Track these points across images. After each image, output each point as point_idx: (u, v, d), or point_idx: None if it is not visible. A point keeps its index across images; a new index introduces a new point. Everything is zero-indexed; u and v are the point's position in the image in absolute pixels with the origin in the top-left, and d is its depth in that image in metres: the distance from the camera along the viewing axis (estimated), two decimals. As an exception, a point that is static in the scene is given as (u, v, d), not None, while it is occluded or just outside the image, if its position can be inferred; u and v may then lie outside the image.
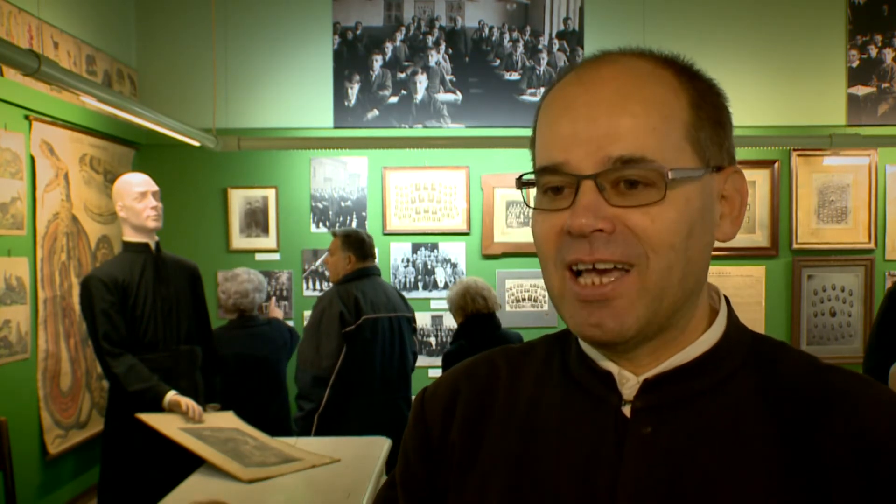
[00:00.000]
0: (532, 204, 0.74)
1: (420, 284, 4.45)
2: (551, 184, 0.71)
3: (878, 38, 4.46)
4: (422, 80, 4.45)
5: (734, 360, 0.74)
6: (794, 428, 0.70)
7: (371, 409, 3.31)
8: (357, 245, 3.40)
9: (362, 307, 3.28)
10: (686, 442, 0.70)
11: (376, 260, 3.54)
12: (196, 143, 3.62)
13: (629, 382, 0.73)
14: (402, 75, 4.45)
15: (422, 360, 4.44)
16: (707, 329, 0.75)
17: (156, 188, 3.06)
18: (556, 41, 4.46)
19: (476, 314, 3.45)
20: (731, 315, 0.77)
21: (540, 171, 0.72)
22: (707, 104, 0.72)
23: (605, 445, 0.72)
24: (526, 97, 4.45)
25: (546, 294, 4.41)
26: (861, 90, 4.46)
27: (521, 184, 0.74)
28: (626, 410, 0.73)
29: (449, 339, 4.27)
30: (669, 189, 0.67)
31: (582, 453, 0.73)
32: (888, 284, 4.37)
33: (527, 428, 0.77)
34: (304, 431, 3.21)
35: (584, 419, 0.74)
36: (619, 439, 0.72)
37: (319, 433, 3.21)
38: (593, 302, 0.69)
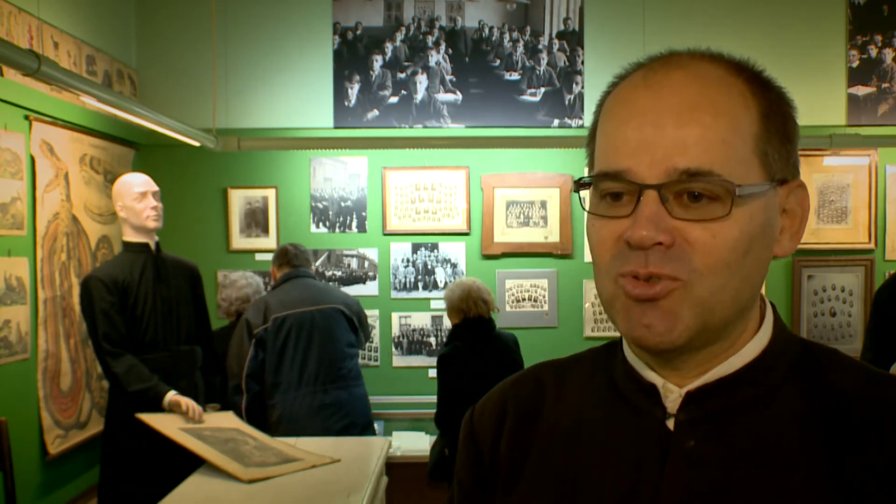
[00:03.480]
0: (588, 207, 0.72)
1: (420, 284, 4.45)
2: (611, 190, 0.69)
3: (878, 38, 4.46)
4: (422, 80, 4.45)
5: (780, 370, 0.72)
6: (843, 442, 0.68)
7: (297, 402, 3.33)
8: (279, 256, 3.62)
9: (270, 309, 3.37)
10: (729, 456, 0.69)
11: (310, 264, 3.70)
12: (196, 143, 3.62)
13: (672, 395, 0.72)
14: (402, 75, 4.45)
15: (421, 360, 4.45)
16: (751, 339, 0.73)
17: (156, 188, 3.06)
18: (556, 41, 4.46)
19: (477, 318, 3.43)
20: (778, 323, 0.75)
21: (600, 175, 0.70)
22: (776, 116, 0.70)
23: (648, 459, 0.71)
24: (526, 97, 4.45)
25: (546, 294, 4.41)
26: (861, 90, 4.46)
27: (578, 186, 0.72)
28: (670, 424, 0.72)
29: (449, 339, 4.27)
30: (735, 206, 0.65)
31: (625, 467, 0.72)
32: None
33: (572, 442, 0.76)
34: None
35: (628, 432, 0.74)
36: (663, 453, 0.71)
37: None
38: (644, 302, 0.67)
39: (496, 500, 0.79)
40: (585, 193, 0.73)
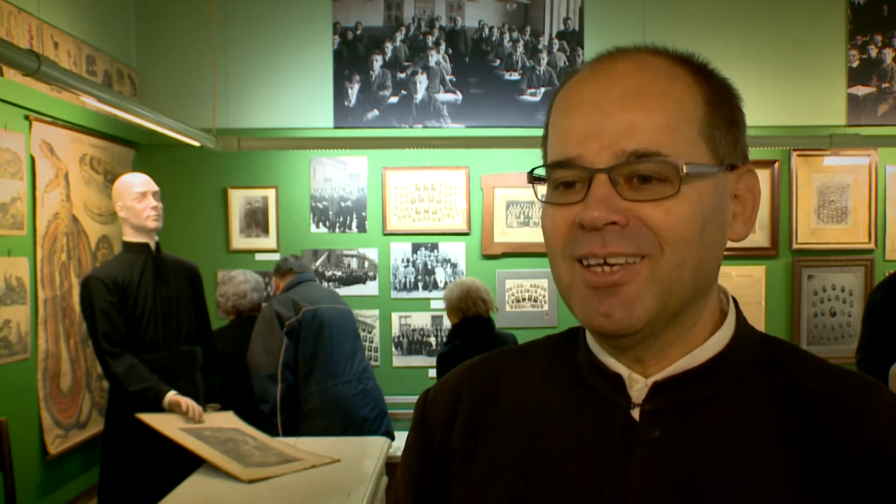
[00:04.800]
0: (543, 198, 0.73)
1: (420, 284, 4.45)
2: (564, 178, 0.70)
3: (878, 38, 4.46)
4: (422, 80, 4.45)
5: (744, 363, 0.73)
6: (807, 432, 0.69)
7: (337, 390, 3.45)
8: (280, 267, 3.74)
9: (299, 303, 3.48)
10: (695, 446, 0.69)
11: (310, 270, 3.84)
12: (196, 143, 3.62)
13: (638, 385, 0.73)
14: (402, 75, 4.45)
15: (421, 360, 4.45)
16: (716, 331, 0.74)
17: (156, 188, 3.06)
18: (556, 41, 4.46)
19: (476, 317, 3.46)
20: (740, 317, 0.77)
21: (552, 165, 0.71)
22: (722, 103, 0.72)
23: (613, 449, 0.71)
24: (526, 97, 4.45)
25: (546, 294, 4.41)
26: (861, 90, 4.46)
27: (532, 178, 0.74)
28: (635, 414, 0.72)
29: (449, 339, 4.28)
30: (683, 184, 0.67)
31: (589, 457, 0.72)
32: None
33: (532, 430, 0.76)
34: (273, 433, 3.25)
35: (591, 422, 0.73)
36: (628, 443, 0.71)
37: (287, 426, 3.36)
38: (603, 289, 0.68)
39: (450, 485, 0.79)
40: (540, 188, 0.74)
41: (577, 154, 0.69)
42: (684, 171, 0.67)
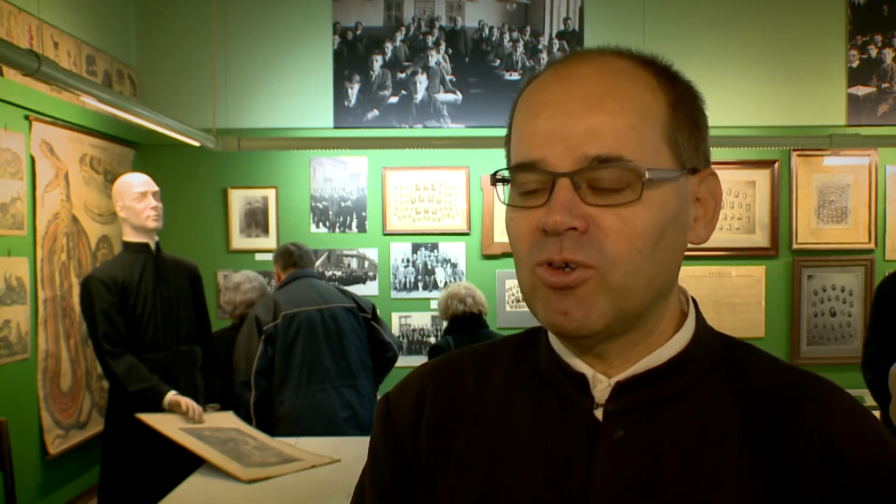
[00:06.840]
0: (506, 200, 0.73)
1: (420, 284, 4.45)
2: (526, 182, 0.70)
3: (878, 38, 4.46)
4: (422, 80, 4.45)
5: (704, 363, 0.74)
6: (764, 431, 0.70)
7: (307, 399, 3.32)
8: (282, 257, 3.58)
9: (280, 307, 3.35)
10: (658, 445, 0.70)
11: (314, 264, 3.71)
12: (196, 143, 3.62)
13: (601, 385, 0.73)
14: (402, 75, 4.45)
15: (421, 360, 4.43)
16: (677, 331, 0.75)
17: (156, 188, 3.06)
18: (556, 41, 4.46)
19: (454, 317, 3.58)
20: (700, 318, 0.77)
21: (515, 167, 0.71)
22: (685, 106, 0.72)
23: (577, 449, 0.72)
24: (526, 97, 4.45)
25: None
26: (861, 90, 4.46)
27: (496, 180, 0.74)
28: (598, 413, 0.73)
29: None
30: (646, 190, 0.67)
31: (554, 457, 0.72)
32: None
33: (497, 430, 0.76)
34: None
35: (555, 422, 0.74)
36: (591, 443, 0.71)
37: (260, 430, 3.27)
38: (560, 290, 0.68)
39: (417, 486, 0.78)
40: (504, 188, 0.74)
41: (540, 157, 0.69)
42: (647, 176, 0.67)
